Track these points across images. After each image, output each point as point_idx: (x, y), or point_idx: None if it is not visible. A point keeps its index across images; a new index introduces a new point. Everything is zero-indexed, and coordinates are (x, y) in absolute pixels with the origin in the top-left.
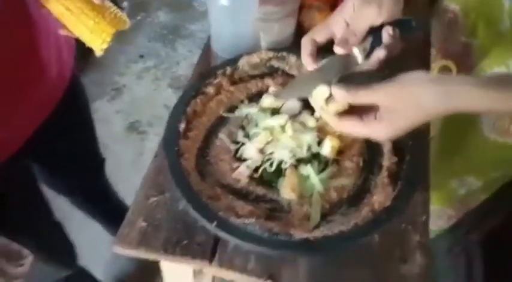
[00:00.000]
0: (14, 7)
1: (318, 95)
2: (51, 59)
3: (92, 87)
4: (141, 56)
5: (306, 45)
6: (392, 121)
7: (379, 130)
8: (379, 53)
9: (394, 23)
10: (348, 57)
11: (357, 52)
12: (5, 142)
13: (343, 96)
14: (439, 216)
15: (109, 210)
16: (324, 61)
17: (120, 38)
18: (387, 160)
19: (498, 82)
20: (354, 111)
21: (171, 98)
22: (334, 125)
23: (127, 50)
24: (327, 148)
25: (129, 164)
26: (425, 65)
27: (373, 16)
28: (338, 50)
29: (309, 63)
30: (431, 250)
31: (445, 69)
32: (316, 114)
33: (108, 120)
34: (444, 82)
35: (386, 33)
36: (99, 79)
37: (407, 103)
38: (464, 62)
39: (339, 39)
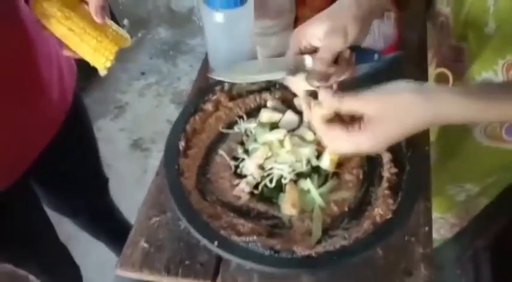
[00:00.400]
0: (13, 30)
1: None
2: (52, 82)
3: (95, 106)
4: (143, 73)
5: (294, 44)
6: (375, 132)
7: (362, 141)
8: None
9: (357, 49)
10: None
11: (309, 59)
12: (10, 166)
13: (329, 100)
14: (442, 225)
15: (113, 230)
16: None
17: (121, 55)
18: (387, 171)
19: (480, 92)
20: (339, 123)
21: (174, 113)
22: (320, 132)
23: (129, 67)
24: (326, 161)
25: (133, 181)
26: (421, 70)
27: (338, 45)
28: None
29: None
30: (439, 260)
31: (441, 77)
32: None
33: (112, 138)
34: (427, 93)
35: (341, 57)
36: (102, 98)
37: (391, 113)
38: (458, 66)
39: (317, 60)
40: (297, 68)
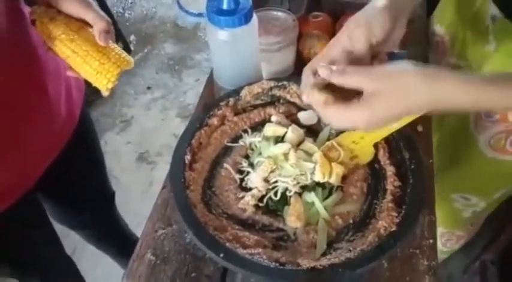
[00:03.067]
0: (23, 49)
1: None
2: (60, 98)
3: (102, 120)
4: (149, 88)
5: (308, 76)
6: (374, 106)
7: (360, 115)
8: None
9: (390, 55)
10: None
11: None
12: (16, 183)
13: (327, 74)
14: (449, 238)
15: (119, 243)
16: None
17: (128, 70)
18: (391, 184)
19: (482, 79)
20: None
21: (180, 127)
22: (320, 112)
23: (135, 82)
24: (319, 175)
25: (139, 194)
26: None
27: (365, 35)
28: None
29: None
30: (447, 271)
31: None
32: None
33: (118, 152)
34: (429, 72)
35: (378, 61)
36: (109, 111)
37: (391, 89)
38: None
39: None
40: None
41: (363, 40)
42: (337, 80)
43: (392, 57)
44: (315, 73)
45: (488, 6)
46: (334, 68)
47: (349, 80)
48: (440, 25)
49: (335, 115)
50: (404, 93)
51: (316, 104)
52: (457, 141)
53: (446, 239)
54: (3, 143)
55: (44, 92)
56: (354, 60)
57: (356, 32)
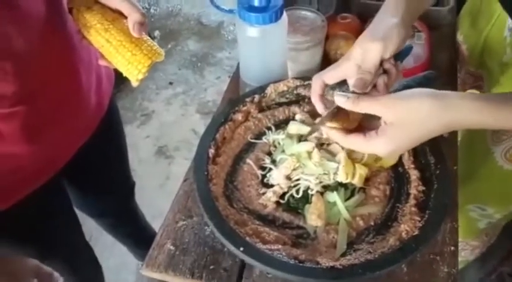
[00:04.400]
0: (61, 40)
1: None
2: (91, 88)
3: (123, 113)
4: (171, 83)
5: (316, 87)
6: (393, 137)
7: (379, 145)
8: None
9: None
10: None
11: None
12: (46, 165)
13: (344, 103)
14: (463, 248)
15: (136, 234)
16: None
17: (150, 66)
18: (414, 189)
19: (498, 100)
20: (358, 130)
21: (199, 123)
22: (340, 140)
23: (157, 77)
24: (343, 175)
25: (155, 188)
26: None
27: (380, 52)
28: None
29: (317, 103)
30: (462, 281)
31: None
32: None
33: (137, 145)
34: (444, 96)
35: (388, 64)
36: (130, 105)
37: (408, 118)
38: (479, 91)
39: (356, 81)
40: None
41: (378, 57)
42: (353, 108)
43: (397, 56)
44: (325, 84)
45: (505, 18)
46: (350, 95)
47: (365, 108)
48: (460, 34)
49: (356, 146)
50: (422, 121)
51: (335, 139)
52: (474, 152)
53: (461, 249)
54: (37, 124)
55: (76, 80)
56: (364, 73)
57: (371, 49)
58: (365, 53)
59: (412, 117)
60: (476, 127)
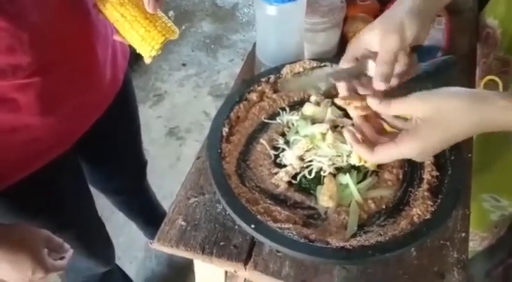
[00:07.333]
0: (79, 13)
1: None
2: (106, 62)
3: (136, 92)
4: (184, 64)
5: (347, 60)
6: (423, 138)
7: (412, 148)
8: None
9: (418, 48)
10: (359, 68)
11: (371, 65)
12: (60, 137)
13: (376, 106)
14: (472, 238)
15: (147, 212)
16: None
17: (164, 46)
18: (428, 174)
19: None
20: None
21: (211, 105)
22: (373, 160)
23: (171, 58)
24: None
25: (166, 168)
26: (469, 76)
27: (395, 43)
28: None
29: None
30: (469, 272)
31: (490, 84)
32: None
33: (149, 125)
34: (473, 97)
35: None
36: (143, 85)
37: (439, 119)
38: (503, 77)
39: (376, 76)
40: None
41: (394, 49)
42: (384, 111)
43: (421, 50)
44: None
45: None
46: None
47: (396, 111)
48: (494, 18)
49: (387, 156)
50: (452, 122)
51: (364, 156)
52: (492, 140)
53: (470, 239)
54: (52, 95)
55: (92, 53)
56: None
57: (387, 40)
58: (380, 44)
59: (442, 119)
60: (507, 128)
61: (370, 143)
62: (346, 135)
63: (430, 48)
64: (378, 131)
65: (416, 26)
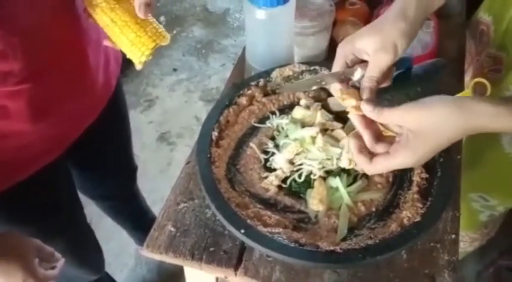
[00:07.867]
0: (69, 18)
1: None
2: (99, 68)
3: (126, 98)
4: (175, 69)
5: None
6: (416, 147)
7: (407, 157)
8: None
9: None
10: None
11: (358, 72)
12: (52, 144)
13: (369, 112)
14: (462, 239)
15: (137, 218)
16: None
17: (155, 51)
18: (417, 176)
19: None
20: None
21: (202, 110)
22: (367, 170)
23: (161, 63)
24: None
25: (156, 173)
26: (458, 78)
27: (388, 62)
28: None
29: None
30: (460, 273)
31: (479, 86)
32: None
33: (140, 130)
34: (461, 104)
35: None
36: (134, 90)
37: (429, 129)
38: (495, 75)
39: (365, 90)
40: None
41: (385, 65)
42: (376, 119)
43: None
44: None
45: None
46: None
47: (387, 120)
48: (489, 15)
49: (385, 167)
50: (442, 130)
51: (363, 166)
52: (480, 138)
53: (460, 240)
54: (44, 102)
55: (84, 59)
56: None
57: (380, 57)
58: (372, 58)
59: (432, 127)
60: (495, 131)
61: (368, 153)
62: (352, 142)
63: (401, 59)
64: (376, 135)
65: (408, 43)
